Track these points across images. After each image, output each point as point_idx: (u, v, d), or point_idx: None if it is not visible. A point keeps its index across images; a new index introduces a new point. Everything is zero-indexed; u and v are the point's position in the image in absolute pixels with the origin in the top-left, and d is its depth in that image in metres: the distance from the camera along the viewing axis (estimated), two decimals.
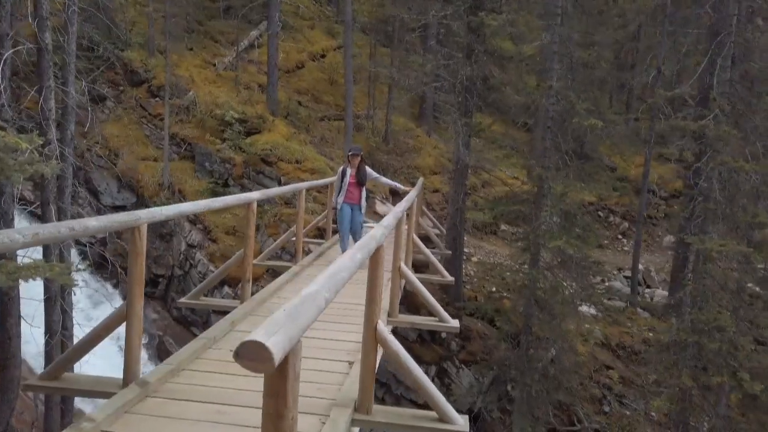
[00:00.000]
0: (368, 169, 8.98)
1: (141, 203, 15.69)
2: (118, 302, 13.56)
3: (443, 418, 3.81)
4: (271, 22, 18.00)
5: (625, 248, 19.99)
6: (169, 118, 16.01)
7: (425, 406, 3.98)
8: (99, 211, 14.97)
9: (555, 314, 10.17)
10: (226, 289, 13.93)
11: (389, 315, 6.25)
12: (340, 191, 8.79)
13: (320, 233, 12.92)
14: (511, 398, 11.85)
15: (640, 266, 16.72)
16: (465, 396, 11.78)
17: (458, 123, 10.79)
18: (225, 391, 4.06)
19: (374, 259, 3.77)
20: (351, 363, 4.83)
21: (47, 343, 7.11)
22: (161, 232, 15.30)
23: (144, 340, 13.26)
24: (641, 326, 14.18)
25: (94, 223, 3.37)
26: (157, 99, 17.82)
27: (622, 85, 20.40)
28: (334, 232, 12.24)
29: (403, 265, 6.42)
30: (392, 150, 20.04)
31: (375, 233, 3.85)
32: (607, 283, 15.90)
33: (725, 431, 8.41)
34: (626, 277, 17.05)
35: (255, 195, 6.34)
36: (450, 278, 8.58)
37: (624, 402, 12.28)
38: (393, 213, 5.51)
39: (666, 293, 16.68)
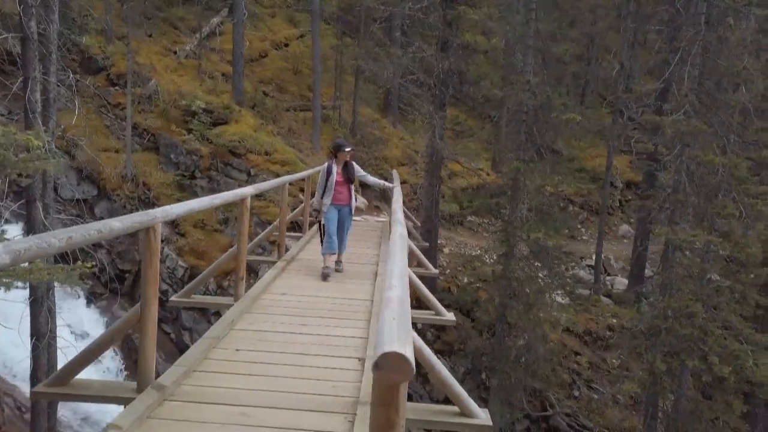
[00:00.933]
0: (356, 165, 7.83)
1: (103, 196, 15.15)
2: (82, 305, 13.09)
3: (465, 413, 3.88)
4: (236, 9, 17.58)
5: (584, 237, 20.62)
6: (131, 108, 15.46)
7: (419, 401, 4.04)
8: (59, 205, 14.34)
9: (530, 303, 10.43)
10: (211, 280, 13.64)
11: None
12: (324, 191, 7.58)
13: (293, 226, 12.79)
14: (487, 387, 12.10)
15: (602, 253, 17.30)
16: None
17: (434, 116, 10.83)
18: (242, 393, 3.99)
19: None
20: (361, 359, 4.83)
21: (35, 347, 6.77)
22: None
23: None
24: (605, 313, 14.69)
25: (117, 224, 3.24)
26: (117, 87, 17.18)
27: (578, 79, 20.94)
28: (311, 225, 12.17)
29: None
30: (359, 141, 19.97)
31: (402, 232, 3.86)
32: (571, 272, 16.37)
33: (690, 412, 8.88)
34: (588, 266, 17.63)
35: (249, 190, 6.22)
36: (435, 271, 8.68)
37: (592, 386, 12.73)
38: (400, 208, 5.52)
39: (626, 281, 17.37)
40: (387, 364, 1.40)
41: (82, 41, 16.63)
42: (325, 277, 7.39)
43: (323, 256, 7.63)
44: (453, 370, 12.46)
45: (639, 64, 16.45)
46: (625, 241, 21.31)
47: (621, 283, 17.45)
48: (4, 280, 4.75)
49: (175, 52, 19.30)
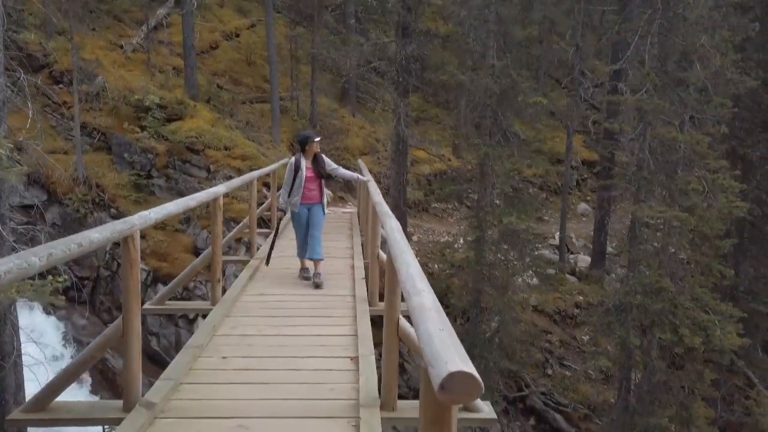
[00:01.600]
0: (326, 158, 6.94)
1: (53, 200, 14.44)
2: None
3: (469, 407, 3.81)
4: (185, 0, 16.92)
5: (545, 218, 20.99)
6: (78, 106, 14.72)
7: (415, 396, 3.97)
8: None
9: (503, 287, 10.52)
10: (161, 287, 13.18)
11: (370, 304, 6.16)
12: (291, 189, 6.76)
13: (260, 222, 12.49)
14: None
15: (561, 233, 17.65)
16: (418, 374, 11.99)
17: (398, 104, 10.72)
18: (237, 403, 3.82)
19: (393, 254, 3.66)
20: (352, 358, 4.71)
21: (0, 368, 6.32)
22: (78, 230, 14.16)
23: (73, 349, 12.28)
24: (572, 291, 15.00)
25: (97, 236, 3.01)
26: (61, 85, 16.34)
27: (531, 62, 21.21)
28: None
29: (381, 251, 6.33)
30: (320, 132, 19.67)
31: (396, 225, 3.74)
32: (536, 252, 16.63)
33: (663, 383, 9.18)
34: (552, 245, 17.95)
35: (221, 189, 5.99)
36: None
37: (564, 364, 13.00)
38: (382, 200, 5.40)
39: (588, 258, 17.79)
40: (455, 386, 1.29)
41: (20, 37, 15.70)
42: (305, 278, 6.92)
43: (299, 260, 7.13)
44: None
45: (590, 45, 16.72)
46: (584, 219, 21.81)
47: (584, 260, 17.86)
48: None
49: (122, 47, 18.49)
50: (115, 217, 14.28)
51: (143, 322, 13.55)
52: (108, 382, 11.92)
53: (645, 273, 8.60)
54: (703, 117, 9.34)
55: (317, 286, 6.62)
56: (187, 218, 14.23)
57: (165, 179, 14.71)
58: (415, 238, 14.98)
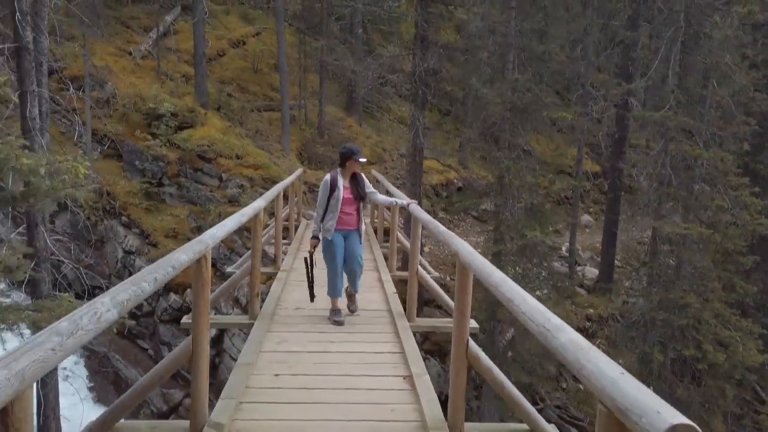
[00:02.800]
0: (365, 179, 6.07)
1: (64, 208, 14.28)
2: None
3: (535, 430, 3.79)
4: (196, 8, 16.90)
5: (548, 229, 21.04)
6: (89, 113, 14.64)
7: None
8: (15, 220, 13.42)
9: None
10: (173, 296, 13.08)
11: (408, 319, 6.13)
12: (326, 211, 5.85)
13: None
14: (478, 384, 12.15)
15: (567, 245, 17.70)
16: (434, 384, 11.95)
17: (417, 116, 10.73)
18: (303, 425, 3.78)
19: (464, 272, 3.64)
20: (405, 377, 4.68)
21: (43, 384, 6.20)
22: (91, 239, 14.04)
23: (81, 356, 12.12)
24: (583, 304, 15.02)
25: (183, 257, 2.98)
26: (71, 91, 16.22)
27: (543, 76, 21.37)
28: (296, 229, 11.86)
29: (420, 268, 6.32)
30: (327, 142, 19.67)
31: (464, 246, 3.72)
32: (546, 264, 16.65)
33: (684, 399, 9.19)
34: (560, 257, 17.99)
35: (261, 203, 5.96)
36: (436, 273, 8.57)
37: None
38: (432, 219, 5.38)
39: (595, 271, 17.83)
40: None
41: None
42: (336, 323, 5.83)
43: (330, 299, 6.00)
44: (443, 370, 12.45)
45: (602, 61, 16.88)
46: (587, 230, 21.89)
47: (591, 272, 17.89)
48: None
49: (131, 53, 18.43)
50: (126, 226, 14.18)
51: (154, 333, 13.41)
52: (120, 392, 11.76)
53: (670, 288, 8.62)
54: (724, 134, 9.43)
55: (351, 312, 6.13)
56: (198, 227, 14.14)
57: (176, 187, 14.63)
58: (426, 249, 14.96)
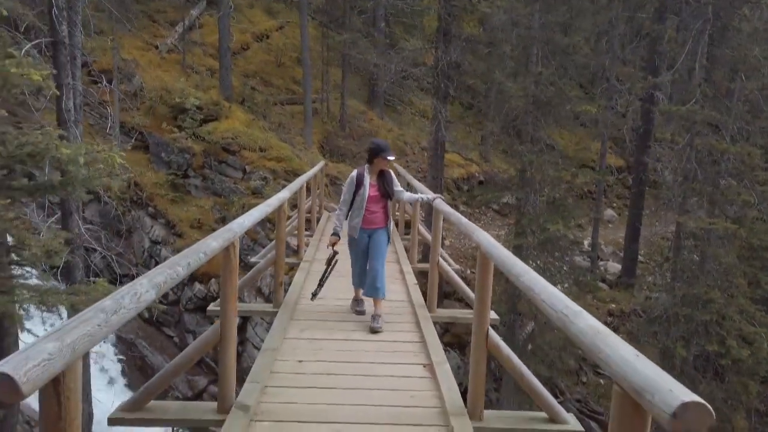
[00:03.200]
0: (394, 177, 5.84)
1: (93, 198, 14.64)
2: None
3: (554, 419, 3.85)
4: (221, 1, 17.09)
5: (571, 223, 20.88)
6: (118, 105, 14.95)
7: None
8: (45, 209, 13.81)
9: None
10: (198, 285, 13.35)
11: (429, 310, 6.21)
12: (351, 209, 5.70)
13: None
14: (498, 376, 12.19)
15: (590, 240, 17.56)
16: (453, 375, 12.03)
17: (439, 109, 10.75)
18: (326, 408, 3.89)
19: (486, 262, 3.71)
20: (425, 365, 4.76)
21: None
22: (118, 228, 14.38)
23: (111, 341, 12.45)
24: (605, 299, 14.92)
25: (214, 244, 3.11)
26: (99, 84, 16.57)
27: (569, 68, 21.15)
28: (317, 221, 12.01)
29: (441, 260, 6.39)
30: (349, 135, 19.78)
31: (486, 237, 3.78)
32: (568, 258, 16.56)
33: (707, 394, 9.12)
34: (581, 252, 17.86)
35: (285, 194, 6.08)
36: (456, 266, 8.62)
37: (599, 371, 12.94)
38: (454, 212, 5.44)
39: (618, 266, 17.67)
40: (689, 416, 1.33)
41: None
42: (358, 313, 5.89)
43: (354, 288, 6.05)
44: (463, 362, 12.51)
45: (627, 54, 16.66)
46: (610, 225, 21.66)
47: (613, 267, 17.74)
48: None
49: (157, 47, 18.72)
50: (152, 216, 14.49)
51: (179, 321, 13.69)
52: (147, 378, 12.07)
53: (694, 284, 8.55)
54: (752, 128, 9.29)
55: (374, 331, 5.42)
56: (222, 218, 14.38)
57: (201, 179, 14.88)
58: (447, 242, 15.00)
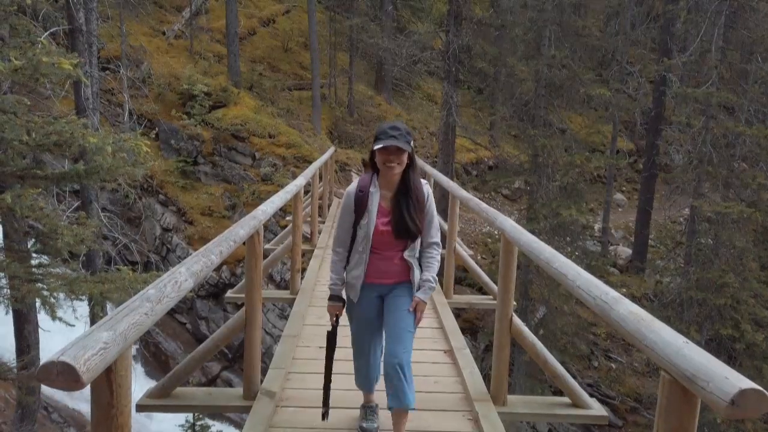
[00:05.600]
0: (428, 191, 3.10)
1: (103, 186, 14.70)
2: None
3: (578, 404, 3.86)
4: None
5: (584, 208, 20.81)
6: (127, 92, 14.93)
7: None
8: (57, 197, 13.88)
9: (553, 278, 10.50)
10: (210, 272, 13.42)
11: (445, 296, 6.23)
12: (351, 249, 3.16)
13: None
14: (510, 362, 12.23)
15: (600, 224, 17.50)
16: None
17: (450, 94, 10.68)
18: (347, 395, 3.91)
19: (509, 248, 3.70)
20: (446, 351, 4.79)
21: None
22: (129, 216, 14.45)
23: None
24: (616, 283, 14.88)
25: (242, 231, 3.12)
26: (107, 71, 16.55)
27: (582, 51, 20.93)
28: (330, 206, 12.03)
29: (457, 245, 6.39)
30: (357, 120, 19.71)
31: (511, 223, 3.77)
32: (578, 243, 16.53)
33: None
34: (592, 236, 17.82)
35: (302, 181, 6.07)
36: (470, 251, 8.62)
37: (610, 356, 12.97)
38: (473, 197, 5.43)
39: (628, 250, 17.62)
40: (748, 402, 1.33)
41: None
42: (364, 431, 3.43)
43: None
44: (475, 347, 12.57)
45: (638, 34, 16.45)
46: (620, 209, 21.57)
47: (623, 252, 17.70)
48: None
49: (164, 33, 18.65)
50: (163, 204, 14.53)
51: (191, 307, 13.80)
52: (160, 364, 12.22)
53: (708, 268, 8.53)
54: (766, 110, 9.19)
55: None
56: (232, 205, 14.42)
57: (211, 166, 14.90)
58: (458, 227, 14.98)
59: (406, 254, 3.07)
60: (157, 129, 14.90)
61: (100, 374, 1.52)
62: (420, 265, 3.13)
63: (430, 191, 3.11)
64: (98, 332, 1.49)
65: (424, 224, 3.05)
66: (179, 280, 2.07)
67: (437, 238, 3.13)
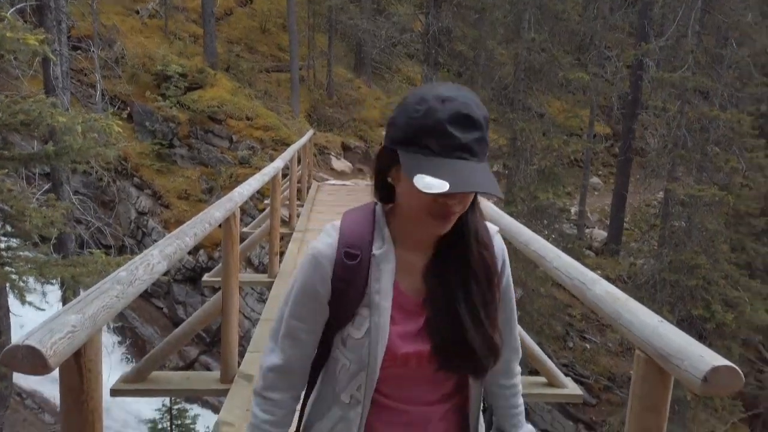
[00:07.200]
0: (496, 239, 1.18)
1: (76, 168, 14.37)
2: None
3: (553, 383, 3.92)
4: None
5: (561, 191, 21.02)
6: (99, 73, 14.54)
7: None
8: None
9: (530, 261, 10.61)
10: (187, 256, 13.26)
11: None
12: (308, 387, 1.21)
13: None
14: None
15: (576, 207, 17.70)
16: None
17: (430, 77, 10.63)
18: None
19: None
20: None
21: None
22: (103, 199, 14.18)
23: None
24: (591, 265, 15.10)
25: (217, 214, 3.06)
26: (79, 51, 16.09)
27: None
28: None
29: None
30: (336, 103, 19.52)
31: (489, 205, 3.77)
32: (555, 226, 16.70)
33: None
34: (568, 220, 18.02)
35: (280, 163, 6.01)
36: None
37: (585, 337, 13.22)
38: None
39: (604, 233, 17.88)
40: (720, 379, 1.35)
41: None
42: None
43: None
44: None
45: (616, 18, 16.54)
46: (596, 193, 21.85)
47: (599, 234, 17.95)
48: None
49: (137, 12, 18.17)
50: (138, 187, 14.28)
51: (168, 291, 13.66)
52: (137, 349, 12.10)
53: (681, 250, 8.70)
54: (741, 95, 9.33)
55: None
56: (209, 188, 14.24)
57: (187, 149, 14.66)
58: None
59: (459, 405, 1.22)
60: (129, 109, 14.56)
61: (67, 358, 1.48)
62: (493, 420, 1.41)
63: (503, 244, 1.25)
64: (66, 315, 1.45)
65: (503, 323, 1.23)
66: (152, 262, 2.03)
67: (517, 344, 1.37)
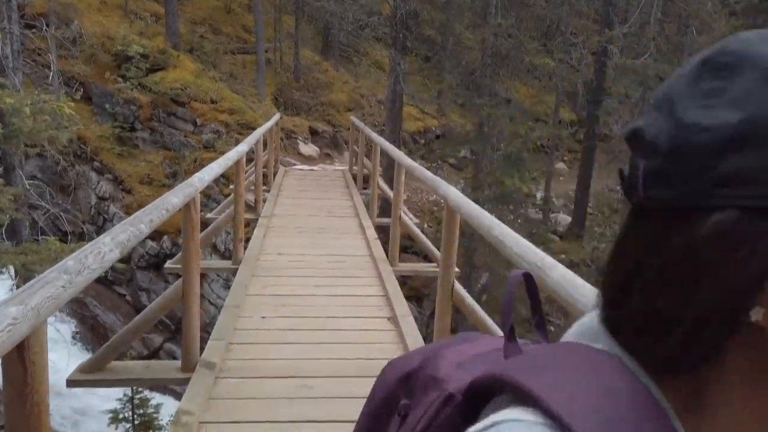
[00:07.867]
0: None
1: (31, 153, 13.86)
2: None
3: None
4: None
5: (527, 177, 21.28)
6: (55, 53, 14.01)
7: None
8: None
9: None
10: (150, 243, 12.99)
11: (391, 264, 6.24)
12: None
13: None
14: (454, 329, 12.51)
15: (542, 193, 17.96)
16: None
17: (398, 61, 10.56)
18: (291, 363, 3.89)
19: (452, 216, 3.72)
20: (390, 318, 4.82)
21: None
22: (61, 184, 13.73)
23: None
24: (556, 250, 15.37)
25: (175, 200, 2.98)
26: (34, 30, 15.45)
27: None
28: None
29: (402, 213, 6.39)
30: (303, 87, 19.25)
31: (453, 191, 3.77)
32: (521, 211, 16.90)
33: None
34: (534, 205, 18.28)
35: (244, 148, 5.90)
36: (416, 220, 8.68)
37: (549, 320, 13.48)
38: (416, 164, 5.41)
39: (568, 218, 18.21)
40: None
41: None
42: None
43: None
44: (420, 314, 12.79)
45: (581, 4, 16.69)
46: (561, 178, 22.19)
47: (564, 219, 18.26)
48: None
49: None
50: (98, 171, 13.88)
51: (131, 279, 13.37)
52: (99, 337, 11.83)
53: None
54: None
55: None
56: (173, 173, 13.93)
57: (150, 132, 14.29)
58: (404, 196, 15.04)
59: None
60: (82, 91, 14.08)
61: (9, 351, 1.42)
62: None
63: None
64: (6, 307, 1.38)
65: None
66: (103, 250, 1.96)
67: None
